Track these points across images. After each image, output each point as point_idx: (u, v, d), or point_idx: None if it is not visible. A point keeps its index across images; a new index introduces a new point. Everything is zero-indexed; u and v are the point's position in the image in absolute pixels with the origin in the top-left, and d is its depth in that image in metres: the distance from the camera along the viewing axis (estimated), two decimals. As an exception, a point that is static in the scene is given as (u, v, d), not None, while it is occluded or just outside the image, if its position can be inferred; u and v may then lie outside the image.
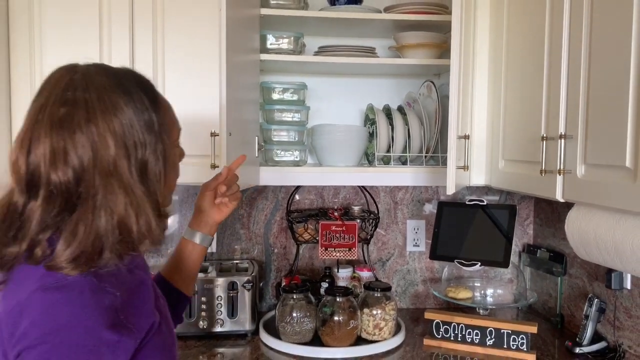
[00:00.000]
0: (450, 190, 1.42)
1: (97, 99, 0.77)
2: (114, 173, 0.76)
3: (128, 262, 0.79)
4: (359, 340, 1.66)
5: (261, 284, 2.01)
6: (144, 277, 0.88)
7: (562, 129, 1.25)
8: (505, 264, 1.71)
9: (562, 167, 1.23)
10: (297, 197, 2.02)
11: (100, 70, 0.81)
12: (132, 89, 0.81)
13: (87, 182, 0.75)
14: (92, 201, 0.75)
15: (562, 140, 1.24)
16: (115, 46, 1.55)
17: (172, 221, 1.93)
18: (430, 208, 2.05)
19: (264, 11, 1.66)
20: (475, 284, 1.90)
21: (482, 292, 1.87)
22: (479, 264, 1.73)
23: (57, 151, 0.74)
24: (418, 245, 2.07)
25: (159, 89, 0.89)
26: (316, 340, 1.65)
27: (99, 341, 0.72)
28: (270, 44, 1.72)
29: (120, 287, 0.77)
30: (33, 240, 0.75)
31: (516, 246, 2.09)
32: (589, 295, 1.62)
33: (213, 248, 1.97)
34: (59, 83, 0.78)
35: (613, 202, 1.06)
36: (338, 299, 1.62)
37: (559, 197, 1.26)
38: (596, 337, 1.59)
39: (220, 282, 1.71)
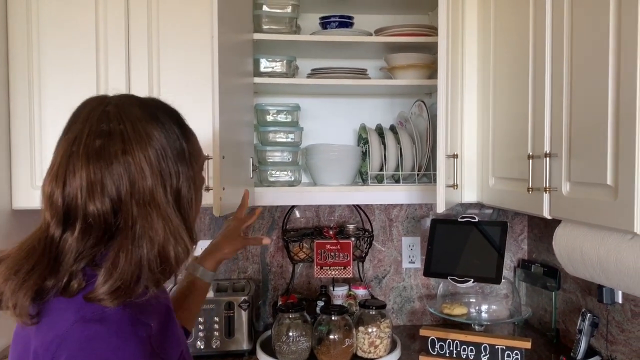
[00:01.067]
0: (441, 208, 1.45)
1: (132, 130, 0.78)
2: (152, 202, 0.77)
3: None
4: (355, 359, 1.68)
5: (259, 303, 2.03)
6: (167, 302, 0.89)
7: (547, 148, 1.28)
8: (497, 280, 1.72)
9: (548, 185, 1.26)
10: (292, 216, 2.05)
11: (131, 101, 0.83)
12: (164, 119, 0.83)
13: (125, 212, 0.76)
14: (132, 231, 0.75)
15: (547, 159, 1.26)
16: (112, 74, 1.60)
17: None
18: (429, 222, 2.07)
19: (257, 36, 1.70)
20: (471, 300, 1.91)
21: (477, 308, 1.88)
22: (472, 280, 1.74)
23: (95, 182, 0.75)
24: (414, 262, 2.08)
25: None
26: (312, 359, 1.66)
27: None
28: (264, 68, 1.76)
29: (152, 317, 0.78)
30: (71, 273, 0.74)
31: (511, 261, 2.11)
32: (582, 310, 1.63)
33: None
34: (92, 115, 0.79)
35: (596, 219, 1.09)
36: (333, 318, 1.64)
37: (546, 214, 1.29)
38: (590, 352, 1.60)
39: (217, 302, 1.73)
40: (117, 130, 0.77)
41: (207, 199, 1.35)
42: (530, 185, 1.32)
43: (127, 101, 0.82)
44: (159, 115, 0.83)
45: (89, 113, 0.79)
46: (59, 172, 0.76)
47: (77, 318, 0.72)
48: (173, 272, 0.80)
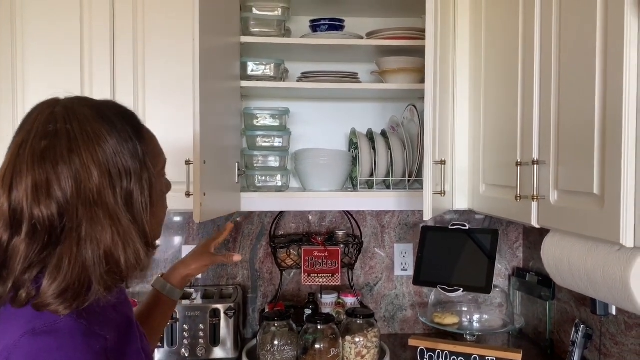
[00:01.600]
0: (428, 215, 1.41)
1: (80, 130, 0.75)
2: (99, 202, 0.74)
3: (114, 297, 0.77)
4: (342, 368, 1.64)
5: (249, 310, 2.00)
6: (129, 314, 0.86)
7: (535, 155, 1.24)
8: (487, 289, 1.68)
9: (536, 193, 1.22)
10: (283, 221, 2.02)
11: (81, 102, 0.80)
12: (115, 119, 0.80)
13: (70, 213, 0.73)
14: (77, 233, 0.73)
15: (536, 166, 1.23)
16: (97, 80, 1.59)
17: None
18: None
19: (245, 39, 1.67)
20: (463, 309, 1.87)
21: (469, 317, 1.84)
22: (462, 289, 1.70)
23: (40, 185, 0.72)
24: (406, 270, 2.05)
25: (140, 118, 0.88)
26: (298, 369, 1.63)
27: None
28: (252, 71, 1.73)
29: (109, 329, 0.75)
30: (18, 280, 0.72)
31: (506, 270, 2.07)
32: (576, 321, 1.59)
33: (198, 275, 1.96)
34: (39, 117, 0.76)
35: (583, 229, 1.05)
36: (319, 327, 1.61)
37: (534, 223, 1.25)
38: (583, 364, 1.56)
39: (202, 309, 1.70)
40: (64, 130, 0.74)
41: (189, 204, 1.33)
42: (518, 193, 1.28)
43: (77, 102, 0.79)
44: (109, 115, 0.79)
45: (37, 115, 0.77)
46: (6, 176, 0.74)
47: (26, 330, 0.69)
48: (124, 278, 0.77)
